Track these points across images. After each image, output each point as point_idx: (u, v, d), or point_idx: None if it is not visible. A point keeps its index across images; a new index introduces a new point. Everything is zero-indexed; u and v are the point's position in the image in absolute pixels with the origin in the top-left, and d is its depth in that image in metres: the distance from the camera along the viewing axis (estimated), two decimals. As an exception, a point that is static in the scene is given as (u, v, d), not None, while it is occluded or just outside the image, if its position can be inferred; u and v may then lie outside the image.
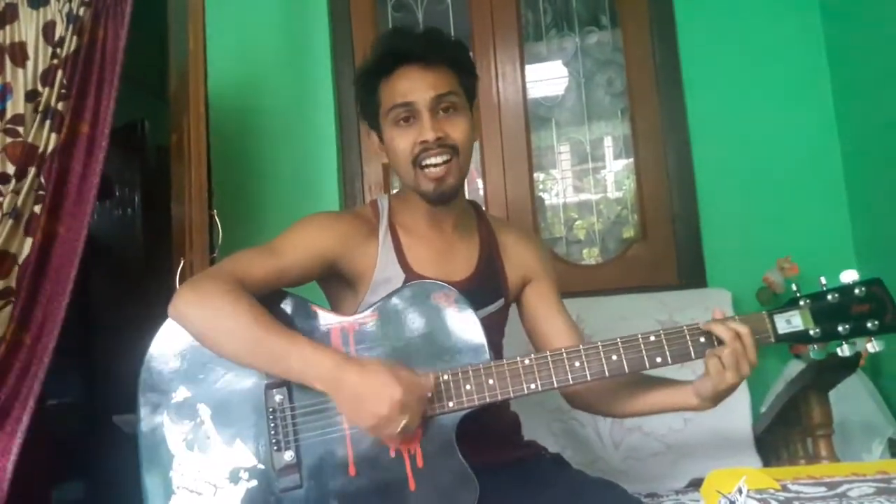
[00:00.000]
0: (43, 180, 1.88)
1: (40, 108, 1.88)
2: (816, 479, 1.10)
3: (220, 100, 2.16)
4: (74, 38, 1.90)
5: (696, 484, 1.62)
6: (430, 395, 1.10)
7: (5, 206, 1.84)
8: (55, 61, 1.90)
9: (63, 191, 1.91)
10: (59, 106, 1.88)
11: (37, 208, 1.88)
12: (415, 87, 1.24)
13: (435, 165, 1.24)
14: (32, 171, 1.86)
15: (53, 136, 1.87)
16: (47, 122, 1.88)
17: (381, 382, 1.06)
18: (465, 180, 1.33)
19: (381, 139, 1.32)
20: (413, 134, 1.24)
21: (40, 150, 1.87)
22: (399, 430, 1.06)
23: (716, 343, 1.12)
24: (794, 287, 1.17)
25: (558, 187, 2.55)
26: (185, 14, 1.91)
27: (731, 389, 1.14)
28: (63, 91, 1.89)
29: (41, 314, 1.87)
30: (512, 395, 1.13)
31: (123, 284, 3.46)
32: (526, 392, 1.13)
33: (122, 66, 1.90)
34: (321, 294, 1.37)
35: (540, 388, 1.13)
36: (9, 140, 1.88)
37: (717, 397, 1.16)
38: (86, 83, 1.88)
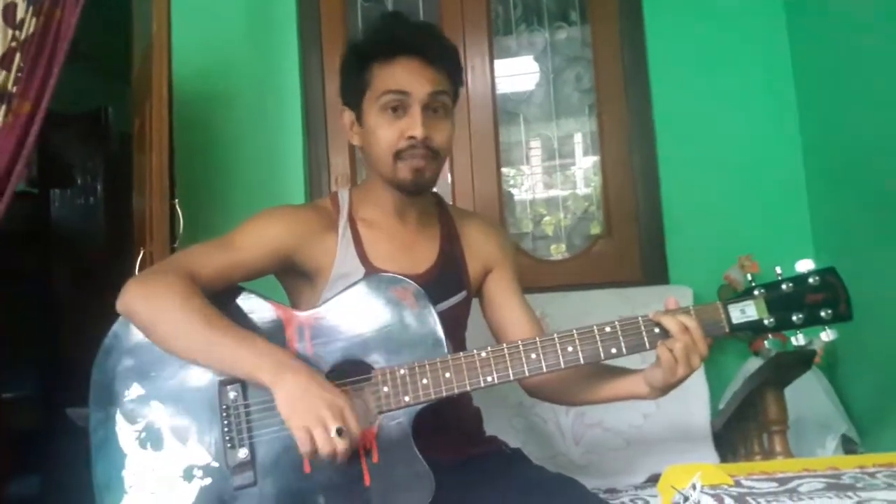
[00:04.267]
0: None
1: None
2: (769, 474, 1.12)
3: (184, 87, 2.12)
4: (34, 20, 1.85)
5: (654, 479, 1.63)
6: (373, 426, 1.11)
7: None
8: (14, 44, 1.84)
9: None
10: (14, 89, 1.82)
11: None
12: (413, 79, 1.24)
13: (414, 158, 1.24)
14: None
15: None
16: (2, 108, 1.82)
17: (329, 388, 1.06)
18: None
19: (359, 121, 1.29)
20: (401, 126, 1.23)
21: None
22: (331, 434, 1.02)
23: (669, 334, 1.12)
24: (749, 277, 1.17)
25: (528, 183, 2.56)
26: (151, -6, 1.87)
27: (681, 381, 1.14)
28: (19, 74, 1.83)
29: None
30: (469, 388, 1.13)
31: (85, 274, 3.39)
32: (483, 385, 1.13)
33: (77, 43, 1.83)
34: (280, 288, 1.35)
35: (497, 381, 1.13)
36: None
37: (667, 388, 1.16)
38: (36, 64, 1.82)
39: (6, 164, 1.80)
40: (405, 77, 1.24)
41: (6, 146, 1.81)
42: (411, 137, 1.22)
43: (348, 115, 1.32)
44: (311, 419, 1.03)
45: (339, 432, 1.02)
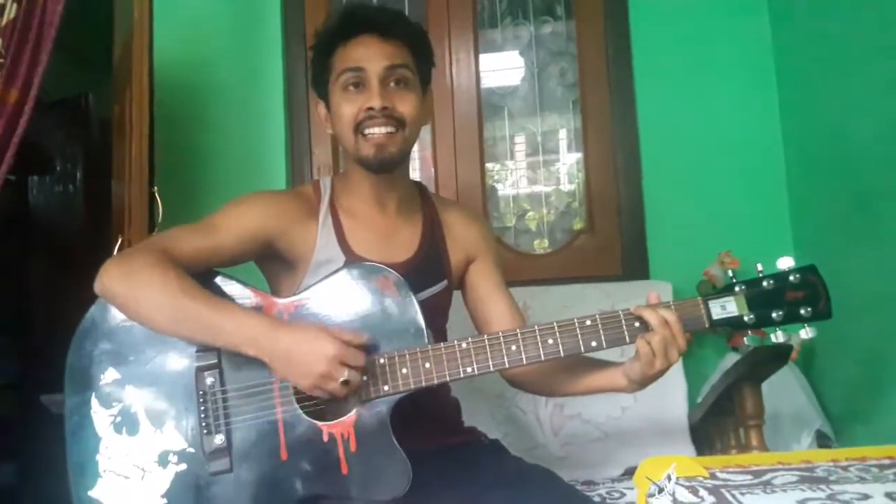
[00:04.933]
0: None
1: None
2: (744, 467, 1.13)
3: (166, 75, 2.10)
4: (14, 5, 1.81)
5: (631, 472, 1.62)
6: (365, 343, 1.10)
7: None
8: (-6, 28, 1.80)
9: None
10: (-1, 75, 1.79)
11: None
12: (369, 54, 1.24)
13: (378, 134, 1.23)
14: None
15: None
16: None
17: (313, 341, 1.06)
18: (420, 167, 1.32)
19: (329, 109, 1.30)
20: (360, 100, 1.23)
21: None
22: (340, 385, 1.05)
23: (649, 328, 1.13)
24: (730, 273, 1.18)
25: (512, 178, 2.56)
26: (132, -19, 1.85)
27: (660, 374, 1.15)
28: (2, 61, 1.80)
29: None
30: (448, 378, 1.13)
31: (63, 261, 3.35)
32: (462, 376, 1.13)
33: (59, 30, 1.81)
34: (260, 275, 1.34)
35: (476, 372, 1.13)
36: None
37: (646, 381, 1.17)
38: (20, 50, 1.79)
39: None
40: (361, 53, 1.25)
41: None
42: (369, 108, 1.22)
43: (322, 107, 1.33)
44: (311, 380, 1.06)
45: (348, 384, 1.06)
